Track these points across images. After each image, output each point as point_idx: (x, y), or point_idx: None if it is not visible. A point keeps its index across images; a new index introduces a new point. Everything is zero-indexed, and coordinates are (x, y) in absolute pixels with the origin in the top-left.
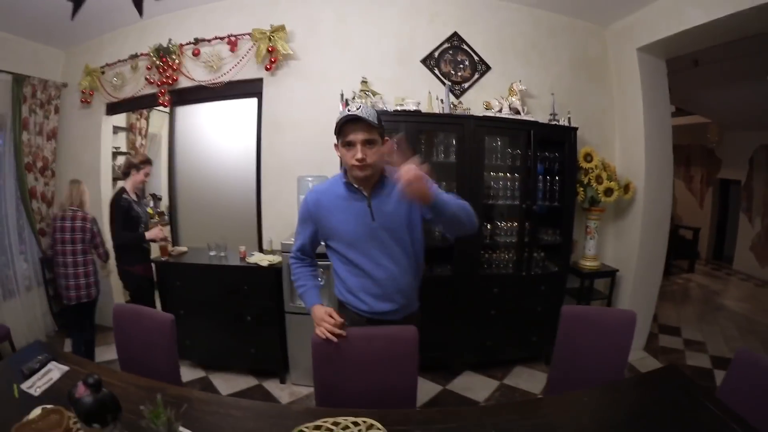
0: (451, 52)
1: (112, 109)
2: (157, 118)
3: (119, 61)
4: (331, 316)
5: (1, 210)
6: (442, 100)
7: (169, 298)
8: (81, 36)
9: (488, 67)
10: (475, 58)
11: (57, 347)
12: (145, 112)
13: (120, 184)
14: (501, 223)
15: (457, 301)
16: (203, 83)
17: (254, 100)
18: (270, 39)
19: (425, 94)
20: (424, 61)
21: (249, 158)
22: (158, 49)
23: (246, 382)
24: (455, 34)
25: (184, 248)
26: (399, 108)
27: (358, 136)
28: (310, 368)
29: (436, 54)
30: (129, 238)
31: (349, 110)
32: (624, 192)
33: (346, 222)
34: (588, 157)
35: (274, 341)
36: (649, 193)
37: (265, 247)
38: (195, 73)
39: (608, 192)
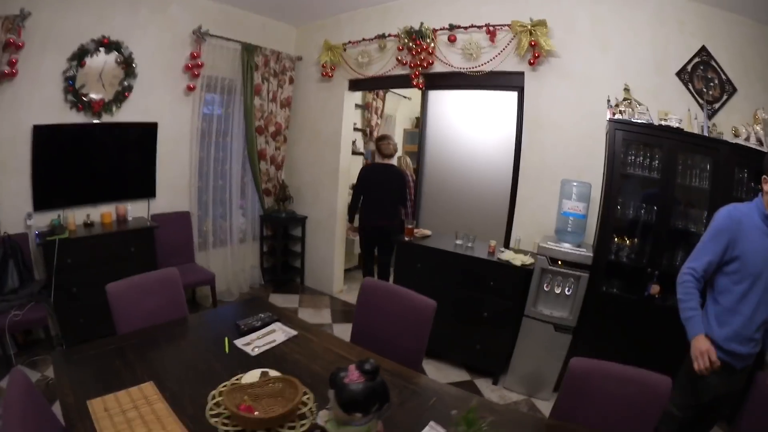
0: (702, 67)
1: (354, 85)
2: (392, 100)
3: (364, 39)
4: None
5: (227, 165)
6: (696, 118)
7: (403, 278)
8: (314, 14)
9: (735, 89)
10: (723, 77)
11: (265, 300)
12: (381, 92)
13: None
14: None
15: None
16: (463, 70)
17: (512, 93)
18: (531, 33)
19: (680, 109)
20: (678, 74)
21: (500, 152)
22: (410, 31)
23: (458, 375)
24: (703, 47)
25: (428, 231)
26: (663, 122)
27: None
28: (527, 375)
29: (689, 68)
30: None
31: None
32: None
33: (757, 253)
34: None
35: (504, 342)
36: None
37: (511, 245)
38: (451, 59)
39: None
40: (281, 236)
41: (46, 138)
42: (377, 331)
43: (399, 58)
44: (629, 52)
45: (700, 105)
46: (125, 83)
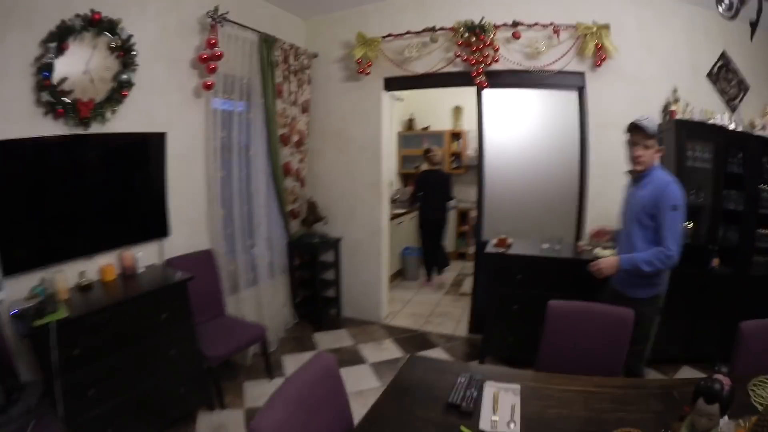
0: (724, 69)
1: (390, 84)
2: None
3: (409, 32)
4: None
5: (252, 186)
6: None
7: (504, 293)
8: (330, 5)
9: (748, 87)
10: (739, 77)
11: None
12: None
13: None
14: None
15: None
16: (532, 69)
17: (569, 93)
18: (595, 36)
19: (711, 106)
20: (708, 76)
21: (558, 151)
22: (471, 25)
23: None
24: (724, 52)
25: (510, 239)
26: (711, 121)
27: (636, 139)
28: None
29: (715, 70)
30: None
31: (637, 118)
32: None
33: (623, 201)
34: None
35: None
36: None
37: (584, 241)
38: (512, 57)
39: None
40: (314, 265)
41: (9, 160)
42: (571, 352)
43: (457, 53)
44: (671, 54)
45: (729, 103)
46: (122, 77)
